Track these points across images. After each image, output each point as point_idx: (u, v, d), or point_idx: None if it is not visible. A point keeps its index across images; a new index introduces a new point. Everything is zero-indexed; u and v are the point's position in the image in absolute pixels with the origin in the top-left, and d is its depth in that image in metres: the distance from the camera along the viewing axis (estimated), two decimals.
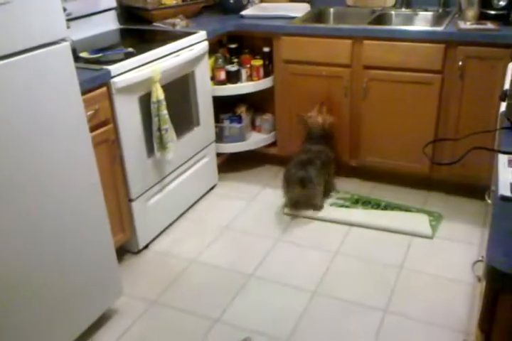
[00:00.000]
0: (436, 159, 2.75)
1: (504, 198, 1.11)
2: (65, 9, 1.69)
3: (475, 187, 2.78)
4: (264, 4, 3.24)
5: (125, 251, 2.47)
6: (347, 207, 2.80)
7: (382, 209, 2.77)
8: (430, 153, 2.75)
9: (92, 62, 2.14)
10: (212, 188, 3.03)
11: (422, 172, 2.84)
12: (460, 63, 2.49)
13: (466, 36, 2.44)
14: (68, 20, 2.25)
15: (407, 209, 2.75)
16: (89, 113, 1.94)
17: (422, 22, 2.94)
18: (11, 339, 1.62)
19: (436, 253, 2.42)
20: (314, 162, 2.68)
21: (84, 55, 2.21)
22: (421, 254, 2.42)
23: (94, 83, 2.00)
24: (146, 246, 2.52)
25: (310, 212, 2.74)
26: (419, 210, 2.74)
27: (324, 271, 2.33)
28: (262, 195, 2.97)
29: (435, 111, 2.66)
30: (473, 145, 2.48)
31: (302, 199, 2.73)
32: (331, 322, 2.05)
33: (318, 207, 2.76)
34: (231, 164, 3.26)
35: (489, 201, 1.56)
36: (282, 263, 2.40)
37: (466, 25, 2.49)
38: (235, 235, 2.62)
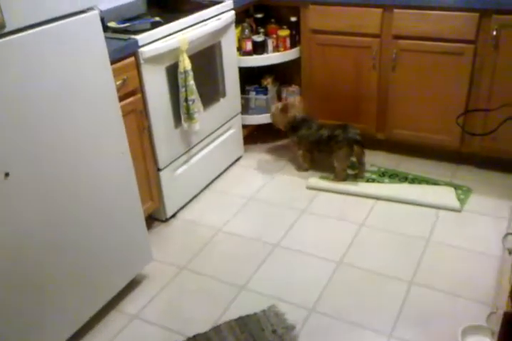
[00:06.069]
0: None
1: None
2: None
3: (505, 161, 2.74)
4: None
5: (154, 219, 2.53)
6: (373, 180, 2.79)
7: (409, 182, 2.75)
8: (461, 125, 2.69)
9: (120, 31, 2.14)
10: (237, 160, 3.04)
11: (452, 145, 2.79)
12: (494, 32, 2.41)
13: (502, 4, 2.34)
14: None
15: (434, 183, 2.72)
16: (117, 83, 1.95)
17: None
18: (46, 301, 1.69)
19: (464, 227, 2.40)
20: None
21: (112, 24, 2.20)
22: (448, 227, 2.40)
23: (123, 53, 2.00)
24: (173, 215, 2.57)
25: (337, 185, 2.74)
26: (447, 184, 2.71)
27: (349, 243, 2.34)
28: (288, 167, 2.97)
29: (467, 82, 2.59)
30: (506, 117, 2.43)
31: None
32: (355, 293, 2.07)
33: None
34: (256, 136, 3.26)
35: None
36: (307, 234, 2.42)
37: None
38: (260, 206, 2.64)
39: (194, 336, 1.90)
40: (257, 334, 1.88)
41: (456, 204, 2.52)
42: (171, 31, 2.24)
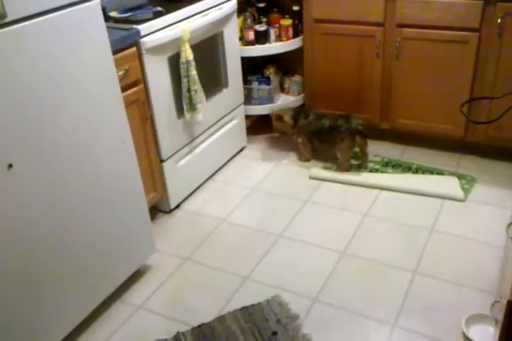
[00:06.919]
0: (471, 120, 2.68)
1: None
2: None
3: (510, 150, 2.73)
4: None
5: (157, 210, 2.53)
6: (377, 170, 2.78)
7: (413, 172, 2.74)
8: (466, 113, 2.68)
9: (122, 21, 2.12)
10: (241, 150, 3.04)
11: (456, 135, 2.78)
12: (499, 20, 2.39)
13: None
14: None
15: (438, 173, 2.71)
16: (120, 73, 1.94)
17: None
18: (50, 292, 1.69)
19: (468, 217, 2.40)
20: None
21: (113, 14, 2.19)
22: (452, 217, 2.40)
23: (124, 43, 1.98)
24: (177, 206, 2.57)
25: (340, 175, 2.73)
26: (451, 173, 2.70)
27: (353, 233, 2.34)
28: (291, 157, 2.96)
29: (471, 71, 2.57)
30: (510, 105, 2.41)
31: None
32: (359, 282, 2.07)
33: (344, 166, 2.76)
34: (260, 126, 3.25)
35: None
36: (311, 224, 2.42)
37: None
38: (263, 196, 2.64)
39: (199, 326, 1.91)
40: (261, 323, 1.89)
41: (460, 194, 2.52)
42: (173, 21, 2.23)
